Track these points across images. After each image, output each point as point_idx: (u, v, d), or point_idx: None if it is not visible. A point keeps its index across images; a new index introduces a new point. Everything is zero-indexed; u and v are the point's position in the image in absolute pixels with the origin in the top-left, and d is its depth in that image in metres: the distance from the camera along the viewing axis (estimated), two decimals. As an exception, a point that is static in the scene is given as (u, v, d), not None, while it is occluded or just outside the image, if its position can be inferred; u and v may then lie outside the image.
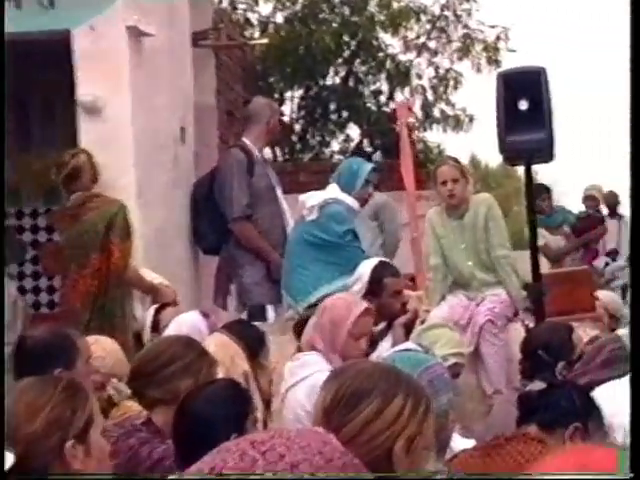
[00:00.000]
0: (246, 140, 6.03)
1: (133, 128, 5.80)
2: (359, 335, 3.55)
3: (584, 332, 4.89)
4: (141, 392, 2.87)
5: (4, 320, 4.38)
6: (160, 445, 2.63)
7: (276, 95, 11.59)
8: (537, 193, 7.33)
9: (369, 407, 1.75)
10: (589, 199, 8.81)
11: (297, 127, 12.77)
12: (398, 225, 6.91)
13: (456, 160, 5.35)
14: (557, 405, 2.68)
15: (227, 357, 3.20)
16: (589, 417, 2.68)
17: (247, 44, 10.28)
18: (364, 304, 3.67)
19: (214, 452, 1.20)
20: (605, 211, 9.61)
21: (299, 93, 12.71)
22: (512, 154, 4.84)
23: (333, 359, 3.49)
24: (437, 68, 12.64)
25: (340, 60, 12.42)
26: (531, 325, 4.81)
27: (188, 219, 6.35)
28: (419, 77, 12.65)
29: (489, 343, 4.93)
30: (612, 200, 9.61)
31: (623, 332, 3.95)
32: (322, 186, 5.44)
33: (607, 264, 9.30)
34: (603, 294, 5.93)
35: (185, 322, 3.81)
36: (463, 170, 5.19)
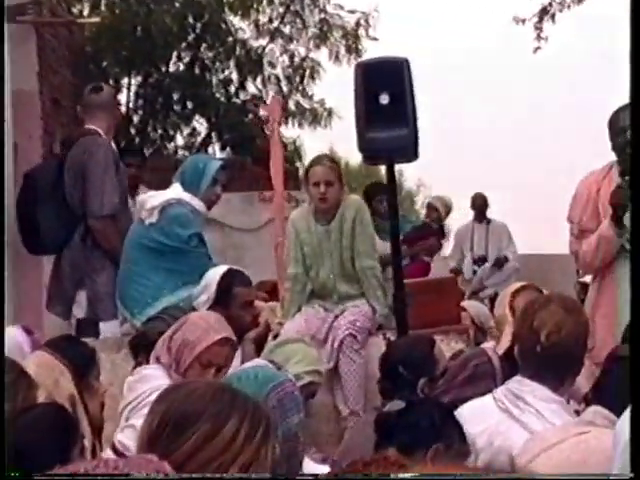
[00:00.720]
0: (100, 131, 5.81)
1: None
2: (208, 364, 3.51)
3: (448, 345, 5.05)
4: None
5: (4, 315, 4.41)
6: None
7: (111, 82, 11.37)
8: (374, 193, 7.45)
9: (198, 432, 1.74)
10: (429, 208, 8.96)
11: (135, 119, 12.59)
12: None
13: (333, 160, 5.41)
14: (417, 426, 2.75)
15: (50, 378, 3.12)
16: (451, 437, 2.76)
17: (75, 22, 10.04)
18: (224, 333, 3.58)
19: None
20: (460, 220, 9.92)
21: (137, 80, 12.54)
22: (372, 152, 4.89)
23: (176, 378, 3.47)
24: (292, 56, 12.78)
25: (184, 44, 12.35)
26: (393, 339, 4.91)
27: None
28: (272, 66, 12.75)
29: (349, 360, 5.00)
30: (480, 203, 9.93)
31: (489, 345, 4.09)
32: (164, 185, 5.38)
33: (475, 272, 9.61)
34: (470, 304, 6.11)
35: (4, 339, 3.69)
36: (339, 172, 5.24)
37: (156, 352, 3.65)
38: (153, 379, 3.52)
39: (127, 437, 3.41)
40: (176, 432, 1.74)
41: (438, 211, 8.72)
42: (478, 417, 2.99)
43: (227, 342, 3.58)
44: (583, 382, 3.37)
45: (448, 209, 9.06)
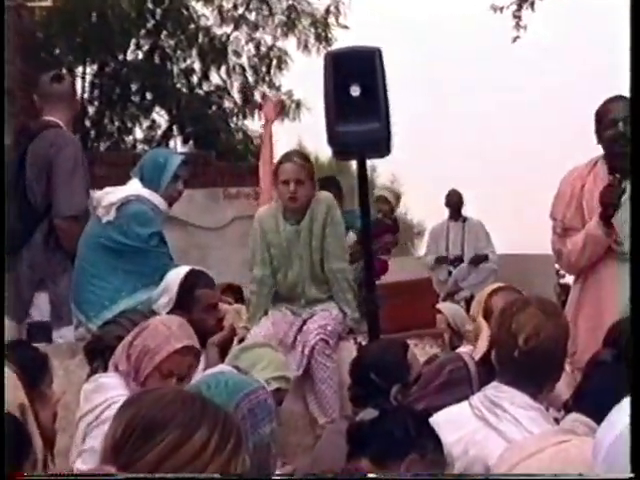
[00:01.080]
0: (60, 123, 5.73)
1: None
2: (168, 374, 3.49)
3: (422, 350, 5.07)
4: None
5: (4, 316, 4.44)
6: None
7: (64, 70, 11.30)
8: (322, 188, 7.37)
9: (166, 440, 1.75)
10: (380, 201, 8.45)
11: (91, 110, 12.53)
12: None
13: (304, 157, 5.37)
14: (391, 435, 2.76)
15: (-2, 386, 3.10)
16: (426, 447, 2.78)
17: (24, 5, 9.95)
18: (186, 341, 3.54)
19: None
20: (447, 214, 9.97)
21: (92, 69, 12.48)
22: (343, 146, 4.90)
23: (134, 388, 3.46)
24: (258, 45, 12.77)
25: (143, 31, 12.31)
26: (364, 344, 4.93)
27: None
28: (237, 55, 12.74)
29: (321, 366, 5.00)
30: (455, 200, 9.98)
31: (465, 350, 4.12)
32: (122, 181, 5.36)
33: (450, 273, 9.65)
34: (445, 307, 6.15)
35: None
36: (310, 170, 5.22)
37: (115, 359, 3.63)
38: (110, 389, 3.51)
39: (86, 463, 3.39)
40: (144, 438, 1.74)
41: (390, 203, 8.55)
42: (454, 425, 3.01)
43: (190, 351, 3.55)
44: (563, 388, 3.40)
45: (398, 199, 9.03)
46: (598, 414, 1.86)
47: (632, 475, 1.50)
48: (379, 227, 8.02)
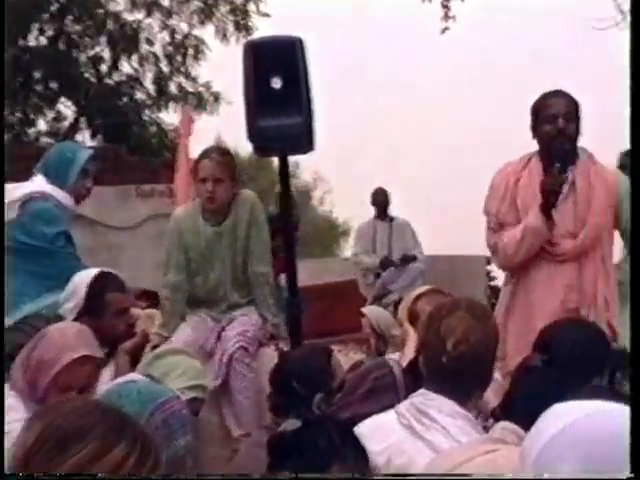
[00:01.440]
0: None
1: None
2: (67, 387, 3.41)
3: (347, 356, 5.11)
4: None
5: (4, 320, 4.46)
6: None
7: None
8: None
9: (83, 452, 1.75)
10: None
11: (-9, 100, 12.34)
12: None
13: (224, 154, 5.32)
14: (313, 446, 2.79)
15: None
16: (351, 458, 2.81)
17: None
18: (83, 350, 3.45)
19: None
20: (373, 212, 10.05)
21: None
22: (264, 142, 4.88)
23: (33, 407, 3.35)
24: (173, 32, 12.70)
25: (46, 16, 12.14)
26: (286, 350, 4.95)
27: None
28: (150, 43, 12.65)
29: (240, 375, 5.01)
30: (381, 199, 10.05)
31: (392, 356, 4.16)
32: (24, 177, 5.30)
33: (378, 275, 9.71)
34: (370, 310, 6.21)
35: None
36: (231, 168, 5.19)
37: (12, 375, 3.52)
38: (8, 410, 3.42)
39: None
40: (58, 449, 1.74)
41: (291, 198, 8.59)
42: (379, 435, 3.05)
43: (88, 360, 3.47)
44: (491, 396, 3.46)
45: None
46: (528, 422, 1.90)
47: (632, 475, 1.57)
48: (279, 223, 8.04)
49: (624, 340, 4.55)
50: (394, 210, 10.14)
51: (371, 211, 10.12)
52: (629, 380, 2.17)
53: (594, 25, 10.51)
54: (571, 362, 3.11)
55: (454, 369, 3.05)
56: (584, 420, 1.71)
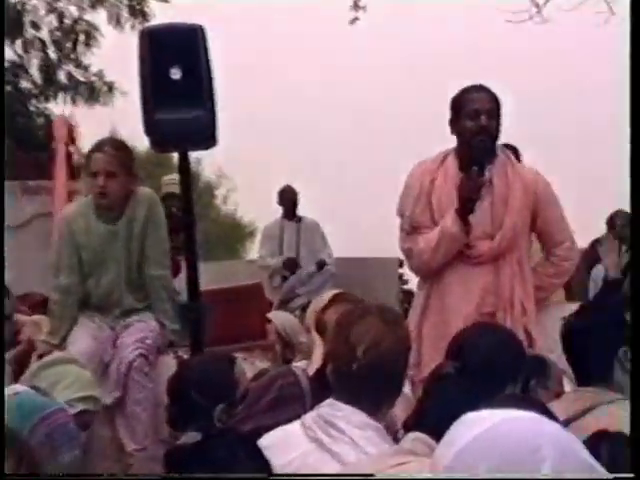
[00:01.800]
0: None
1: None
2: None
3: (252, 365, 5.11)
4: None
5: (4, 320, 4.48)
6: None
7: None
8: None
9: None
10: (168, 199, 7.81)
11: None
12: None
13: (119, 147, 5.25)
14: (214, 461, 2.78)
15: None
16: (253, 472, 2.81)
17: None
18: None
19: None
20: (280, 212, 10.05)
21: None
22: (162, 136, 4.85)
23: None
24: (61, 16, 12.51)
25: None
26: (186, 358, 4.92)
27: None
28: (36, 27, 12.43)
29: (137, 385, 4.97)
30: (289, 197, 10.05)
31: (298, 364, 4.18)
32: None
33: (285, 278, 9.71)
34: (276, 316, 6.21)
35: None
36: (126, 161, 5.13)
37: None
38: None
39: None
40: None
41: (176, 196, 8.47)
42: (284, 447, 3.05)
43: None
44: (398, 411, 3.49)
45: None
46: (440, 432, 1.93)
47: (632, 475, 1.64)
48: (176, 224, 7.92)
49: (541, 346, 4.64)
50: (302, 210, 10.16)
51: (278, 211, 10.12)
52: (629, 380, 2.25)
53: (509, 18, 10.69)
54: (484, 369, 3.16)
55: (364, 377, 3.07)
56: (494, 429, 1.74)
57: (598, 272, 7.54)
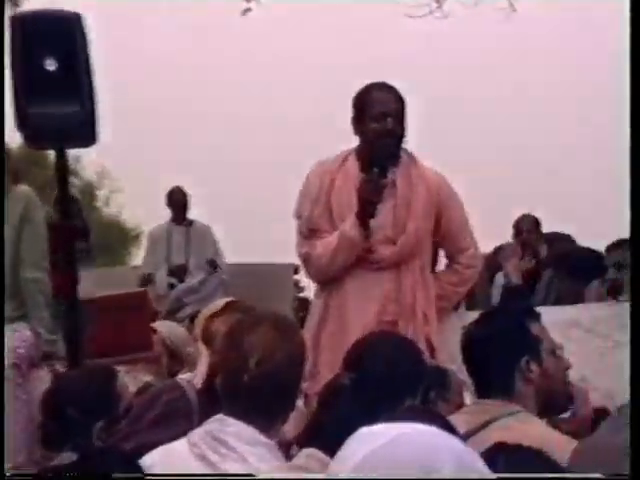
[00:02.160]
0: None
1: None
2: None
3: (135, 379, 5.07)
4: None
5: (4, 318, 4.67)
6: None
7: None
8: None
9: None
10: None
11: None
12: None
13: None
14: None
15: None
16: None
17: None
18: None
19: None
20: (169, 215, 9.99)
21: None
22: (36, 132, 4.80)
23: None
24: None
25: None
26: (62, 371, 4.87)
27: None
28: None
29: (11, 398, 4.89)
30: (178, 199, 9.98)
31: (185, 377, 4.14)
32: None
33: (172, 286, 9.66)
34: (162, 325, 6.17)
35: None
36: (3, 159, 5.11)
37: None
38: None
39: None
40: None
41: (77, 201, 8.43)
42: (168, 466, 3.03)
43: None
44: (295, 421, 3.49)
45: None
46: (334, 447, 1.92)
47: (632, 475, 1.80)
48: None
49: (442, 357, 4.67)
50: (193, 213, 10.10)
51: (167, 213, 10.05)
52: (629, 379, 2.30)
53: (408, 13, 10.78)
54: (382, 380, 3.17)
55: (256, 389, 3.06)
56: (390, 445, 1.74)
57: (501, 279, 7.65)
